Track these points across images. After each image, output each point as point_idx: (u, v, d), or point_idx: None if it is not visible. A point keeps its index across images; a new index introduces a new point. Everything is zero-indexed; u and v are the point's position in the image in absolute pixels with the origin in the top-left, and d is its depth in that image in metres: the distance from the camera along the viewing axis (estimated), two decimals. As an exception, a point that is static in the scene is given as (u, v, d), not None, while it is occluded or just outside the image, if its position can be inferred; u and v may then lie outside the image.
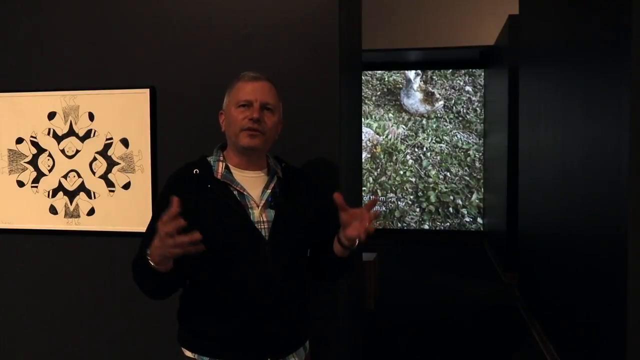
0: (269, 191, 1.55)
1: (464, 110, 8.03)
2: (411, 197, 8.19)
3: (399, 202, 8.21)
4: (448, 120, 8.05)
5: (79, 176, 2.17)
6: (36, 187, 2.21)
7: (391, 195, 8.23)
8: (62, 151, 2.18)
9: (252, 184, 1.55)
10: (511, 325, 4.41)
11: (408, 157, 8.18)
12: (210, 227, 1.46)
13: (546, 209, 3.89)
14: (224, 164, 1.55)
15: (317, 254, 1.64)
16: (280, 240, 1.52)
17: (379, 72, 8.18)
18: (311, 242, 1.63)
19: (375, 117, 8.22)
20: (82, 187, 2.17)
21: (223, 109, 1.59)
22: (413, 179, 8.17)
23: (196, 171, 1.52)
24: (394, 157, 8.22)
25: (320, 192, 1.68)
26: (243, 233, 1.49)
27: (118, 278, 2.15)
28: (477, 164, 7.98)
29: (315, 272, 1.66)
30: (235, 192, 1.51)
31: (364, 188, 8.13)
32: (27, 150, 2.21)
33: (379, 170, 8.22)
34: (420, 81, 8.14)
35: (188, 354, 1.54)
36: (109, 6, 2.13)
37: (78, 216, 2.18)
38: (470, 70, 7.95)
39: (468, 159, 8.03)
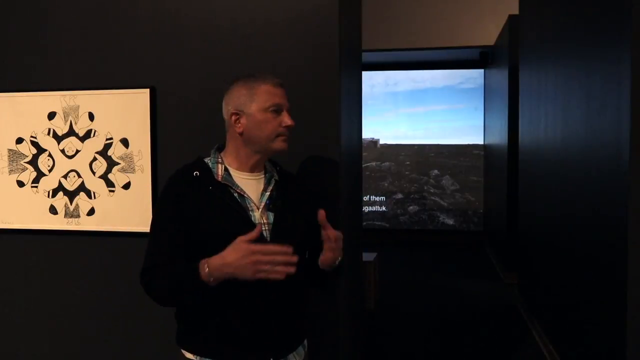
0: (267, 194, 1.56)
1: (464, 110, 8.03)
2: (411, 196, 8.19)
3: (399, 202, 8.21)
4: (448, 120, 8.06)
5: (79, 176, 2.17)
6: (36, 187, 2.21)
7: (391, 194, 8.23)
8: (62, 151, 2.18)
9: (251, 187, 1.55)
10: (511, 325, 4.41)
11: (408, 157, 8.19)
12: (212, 228, 1.47)
13: (546, 209, 3.89)
14: (222, 166, 1.55)
15: (310, 261, 1.65)
16: (282, 241, 1.52)
17: (379, 72, 8.18)
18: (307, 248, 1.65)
19: (375, 116, 8.22)
20: (82, 187, 2.17)
21: (241, 110, 1.53)
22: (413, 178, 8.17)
23: (196, 173, 1.52)
24: (394, 157, 8.22)
25: (314, 199, 1.70)
26: (245, 234, 1.49)
27: (118, 278, 2.15)
28: (477, 164, 7.98)
29: (308, 279, 1.66)
30: (235, 194, 1.52)
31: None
32: (27, 150, 2.21)
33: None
34: (420, 80, 8.14)
35: (189, 355, 1.53)
36: (109, 6, 2.13)
37: (78, 216, 2.18)
38: (470, 70, 7.95)
39: (468, 158, 8.03)
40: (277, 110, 1.53)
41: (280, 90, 1.55)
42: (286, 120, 1.54)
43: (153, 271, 1.46)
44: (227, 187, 1.52)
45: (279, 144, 1.54)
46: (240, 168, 1.56)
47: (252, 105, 1.52)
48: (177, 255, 1.47)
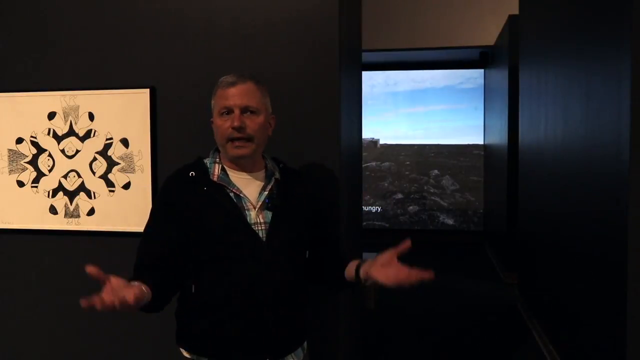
0: (266, 193, 1.54)
1: (464, 110, 8.03)
2: (411, 196, 8.20)
3: (399, 202, 8.21)
4: (448, 120, 8.06)
5: (79, 176, 2.17)
6: (36, 187, 2.21)
7: (391, 194, 8.23)
8: (62, 151, 2.18)
9: (249, 186, 1.54)
10: (511, 325, 4.41)
11: (408, 157, 8.19)
12: (206, 228, 1.47)
13: (546, 209, 3.89)
14: (220, 165, 1.54)
15: (314, 258, 1.64)
16: (278, 241, 1.52)
17: (379, 72, 8.19)
18: (309, 245, 1.64)
19: (375, 116, 8.22)
20: (82, 187, 2.17)
21: (212, 118, 1.56)
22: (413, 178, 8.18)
23: (192, 173, 1.52)
24: (394, 157, 8.22)
25: (318, 196, 1.68)
26: (240, 234, 1.48)
27: (118, 278, 2.14)
28: (477, 164, 7.98)
29: (311, 277, 1.66)
30: (231, 194, 1.51)
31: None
32: (27, 150, 2.21)
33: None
34: (420, 80, 8.14)
35: (186, 354, 1.54)
36: (109, 6, 2.13)
37: (78, 216, 2.18)
38: (470, 70, 7.96)
39: (468, 158, 8.03)
40: (227, 113, 1.49)
41: (232, 91, 1.49)
42: (233, 121, 1.47)
43: (137, 271, 1.48)
44: (222, 187, 1.51)
45: (231, 150, 1.49)
46: (236, 168, 1.55)
47: (214, 113, 1.54)
48: (166, 256, 1.47)
